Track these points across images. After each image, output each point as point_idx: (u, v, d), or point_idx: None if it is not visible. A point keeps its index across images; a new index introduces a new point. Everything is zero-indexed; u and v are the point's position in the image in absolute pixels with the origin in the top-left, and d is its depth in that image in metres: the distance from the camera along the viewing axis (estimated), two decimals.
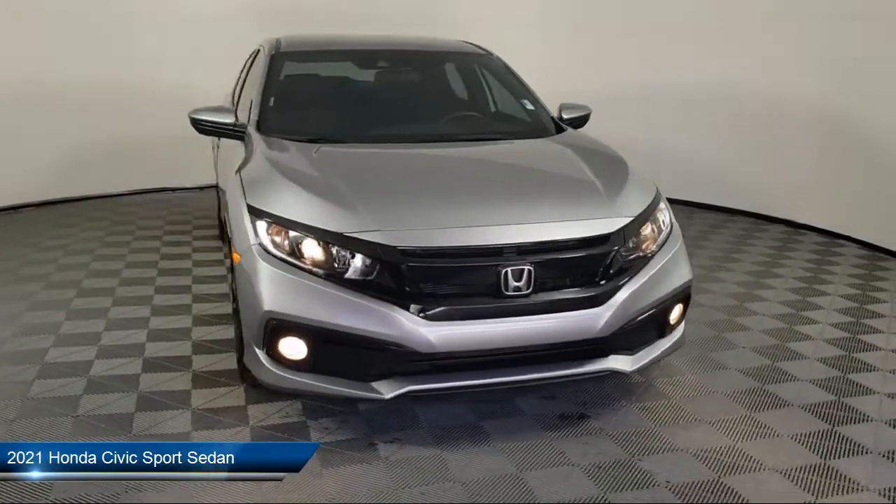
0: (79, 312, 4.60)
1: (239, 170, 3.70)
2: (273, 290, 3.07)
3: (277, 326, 3.06)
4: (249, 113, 4.17)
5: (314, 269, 3.06)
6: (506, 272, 3.03)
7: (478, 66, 4.84)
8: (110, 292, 4.96)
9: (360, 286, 3.02)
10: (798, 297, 5.06)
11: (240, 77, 5.89)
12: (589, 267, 3.19)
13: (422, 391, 3.07)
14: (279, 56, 4.52)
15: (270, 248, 3.15)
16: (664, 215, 3.55)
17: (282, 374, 3.14)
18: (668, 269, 3.36)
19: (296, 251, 3.11)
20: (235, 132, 4.09)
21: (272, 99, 4.24)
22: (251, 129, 4.03)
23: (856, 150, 6.25)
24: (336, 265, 3.05)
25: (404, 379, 3.07)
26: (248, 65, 5.62)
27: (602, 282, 3.19)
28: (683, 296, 3.46)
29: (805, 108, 6.57)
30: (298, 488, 2.86)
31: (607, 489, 2.88)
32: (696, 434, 3.29)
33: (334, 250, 3.08)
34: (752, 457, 3.11)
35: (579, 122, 4.49)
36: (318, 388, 3.14)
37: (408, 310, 2.97)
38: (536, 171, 3.75)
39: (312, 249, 3.10)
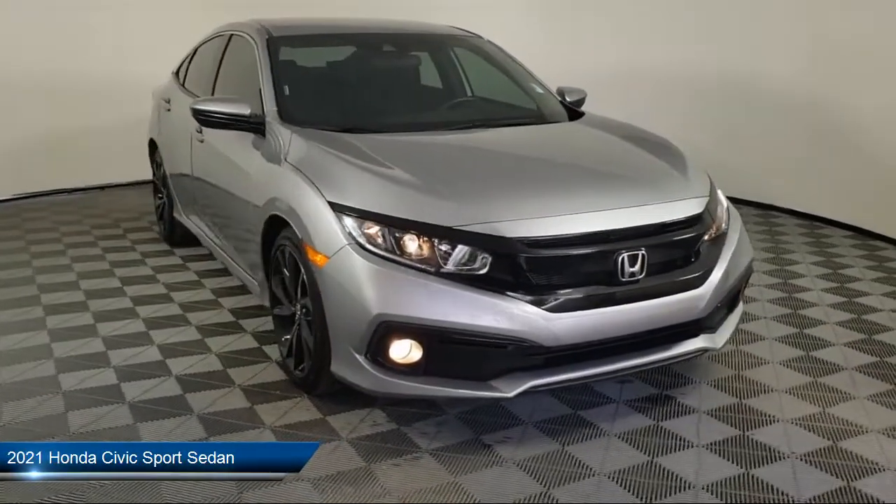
0: (61, 332, 4.10)
1: (282, 164, 3.43)
2: (384, 292, 2.86)
3: (390, 329, 2.86)
4: (263, 103, 3.85)
5: (424, 267, 2.88)
6: (623, 257, 2.97)
7: (474, 50, 4.72)
8: (83, 307, 4.46)
9: (473, 281, 2.87)
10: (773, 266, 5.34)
11: (187, 64, 5.45)
12: (688, 247, 3.20)
13: (542, 386, 2.96)
14: (274, 41, 4.20)
15: (368, 246, 2.93)
16: (719, 193, 3.62)
17: (391, 379, 2.93)
18: (741, 245, 3.43)
19: (395, 248, 2.91)
20: (253, 125, 3.78)
21: (286, 87, 3.93)
22: (272, 120, 3.73)
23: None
24: (443, 260, 2.89)
25: (523, 375, 2.95)
26: (204, 51, 5.21)
27: (697, 262, 3.21)
28: (750, 270, 3.55)
29: (783, 93, 6.68)
30: (444, 497, 2.69)
31: (748, 466, 2.90)
32: (781, 404, 3.38)
33: (440, 245, 2.91)
34: (849, 421, 3.24)
35: (577, 105, 4.49)
36: (433, 391, 2.96)
37: (530, 303, 2.85)
38: (602, 155, 3.70)
39: (415, 245, 2.92)
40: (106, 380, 3.56)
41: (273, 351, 3.88)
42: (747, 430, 3.16)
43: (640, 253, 3.00)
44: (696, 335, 3.27)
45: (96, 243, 5.84)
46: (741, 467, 2.89)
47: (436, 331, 2.85)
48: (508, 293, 2.85)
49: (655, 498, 2.70)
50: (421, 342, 2.88)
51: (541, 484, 2.78)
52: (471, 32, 4.86)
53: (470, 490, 2.74)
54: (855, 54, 5.99)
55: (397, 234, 2.93)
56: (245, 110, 3.76)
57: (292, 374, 3.48)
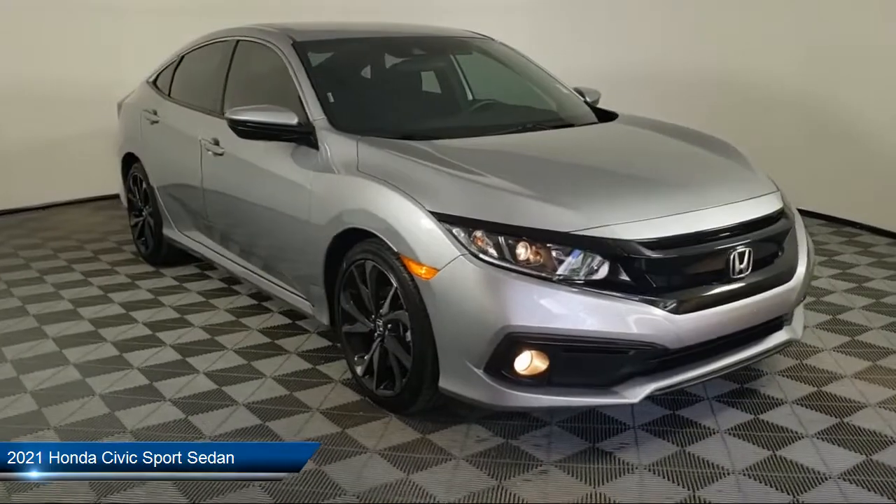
0: (91, 367, 3.78)
1: (354, 174, 3.28)
2: (509, 302, 2.76)
3: (515, 341, 2.77)
4: (307, 111, 3.66)
5: (543, 274, 2.80)
6: (734, 254, 2.99)
7: (492, 54, 4.65)
8: (96, 336, 4.13)
9: (594, 287, 2.81)
10: None
11: (171, 72, 5.15)
12: (779, 241, 3.24)
13: (663, 389, 2.94)
14: (301, 46, 4.01)
15: (483, 256, 2.83)
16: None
17: (514, 392, 2.84)
18: (805, 237, 3.51)
19: (510, 257, 2.83)
20: (300, 134, 3.59)
21: (329, 94, 3.76)
22: (324, 129, 3.56)
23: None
24: (558, 267, 2.82)
25: (643, 379, 2.91)
26: (195, 59, 4.93)
27: (784, 255, 3.26)
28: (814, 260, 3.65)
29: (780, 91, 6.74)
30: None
31: (867, 452, 2.96)
32: (858, 389, 3.48)
33: (554, 251, 2.84)
34: None
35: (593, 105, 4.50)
36: (558, 401, 2.88)
37: (654, 305, 2.82)
38: (672, 155, 3.69)
39: (529, 253, 2.84)
40: (169, 415, 3.30)
41: (331, 370, 3.71)
42: (844, 417, 3.24)
43: (747, 249, 3.02)
44: (779, 328, 3.32)
45: (71, 267, 5.43)
46: (861, 454, 2.95)
47: (563, 340, 2.77)
48: (634, 297, 2.81)
49: (799, 491, 2.72)
50: (546, 352, 2.80)
51: (684, 487, 2.75)
52: (484, 35, 4.80)
53: (618, 499, 2.68)
54: (839, 52, 6.21)
55: (510, 242, 2.84)
56: (291, 119, 3.57)
57: (373, 394, 3.32)
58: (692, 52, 7.25)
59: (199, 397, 3.46)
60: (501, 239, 2.84)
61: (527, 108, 4.31)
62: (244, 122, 3.59)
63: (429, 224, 2.93)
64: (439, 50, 4.59)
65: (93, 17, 7.16)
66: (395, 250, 3.04)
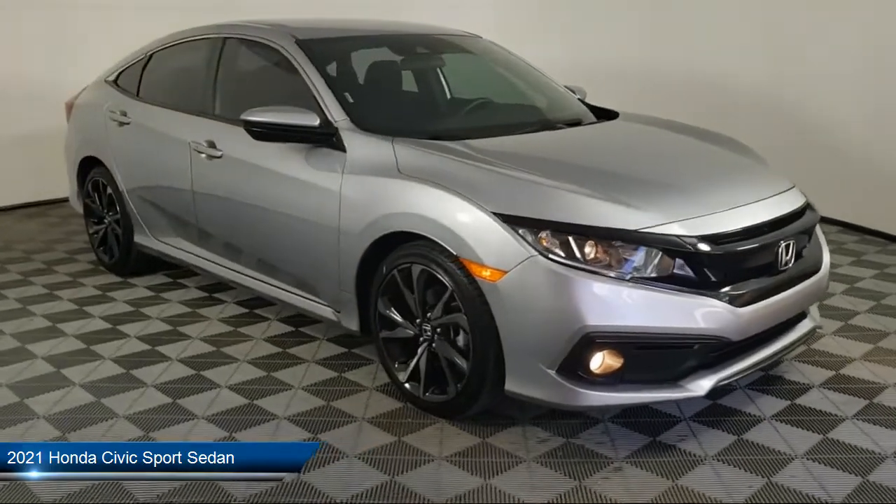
0: (104, 387, 3.55)
1: (395, 176, 3.21)
2: (586, 302, 2.77)
3: (591, 341, 2.78)
4: (326, 112, 3.55)
5: (616, 273, 2.82)
6: (781, 247, 3.09)
7: (489, 53, 4.63)
8: (91, 354, 3.89)
9: (663, 283, 2.86)
10: None
11: (138, 71, 4.89)
12: (809, 233, 3.38)
13: (725, 380, 3.00)
14: (306, 45, 3.89)
15: (553, 257, 2.82)
16: None
17: (587, 391, 2.85)
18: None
19: (579, 256, 2.83)
20: (321, 136, 3.49)
21: (347, 94, 3.66)
22: (348, 130, 3.47)
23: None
24: (626, 264, 2.85)
25: (705, 372, 2.98)
26: (170, 57, 4.71)
27: (811, 245, 3.40)
28: None
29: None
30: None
31: None
32: (870, 370, 3.67)
33: (621, 250, 2.86)
34: None
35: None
36: (630, 398, 2.91)
37: (718, 299, 2.89)
38: (697, 153, 3.75)
39: (597, 252, 2.85)
40: (211, 435, 3.14)
41: (359, 377, 3.63)
42: (872, 398, 3.40)
43: (790, 242, 3.13)
44: (804, 317, 3.46)
45: (29, 280, 5.07)
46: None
47: (637, 338, 2.80)
48: (700, 292, 2.87)
49: (866, 472, 2.85)
50: (620, 350, 2.82)
51: (758, 475, 2.83)
52: (474, 34, 4.77)
53: (702, 491, 2.74)
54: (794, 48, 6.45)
55: (579, 242, 2.84)
56: (313, 121, 3.46)
57: (419, 400, 3.26)
58: (659, 49, 7.39)
59: (233, 413, 3.31)
60: (570, 239, 2.83)
61: (533, 106, 4.32)
62: (262, 124, 3.45)
63: (492, 225, 2.90)
64: (442, 49, 4.53)
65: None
66: (454, 253, 2.98)
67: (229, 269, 4.20)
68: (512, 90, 4.46)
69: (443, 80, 4.55)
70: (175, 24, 4.90)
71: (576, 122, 4.05)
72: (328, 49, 3.99)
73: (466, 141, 3.41)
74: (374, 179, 3.30)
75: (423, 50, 4.49)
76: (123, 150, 4.83)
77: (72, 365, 3.78)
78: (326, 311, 3.65)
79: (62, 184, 5.70)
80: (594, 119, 4.18)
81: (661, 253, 2.86)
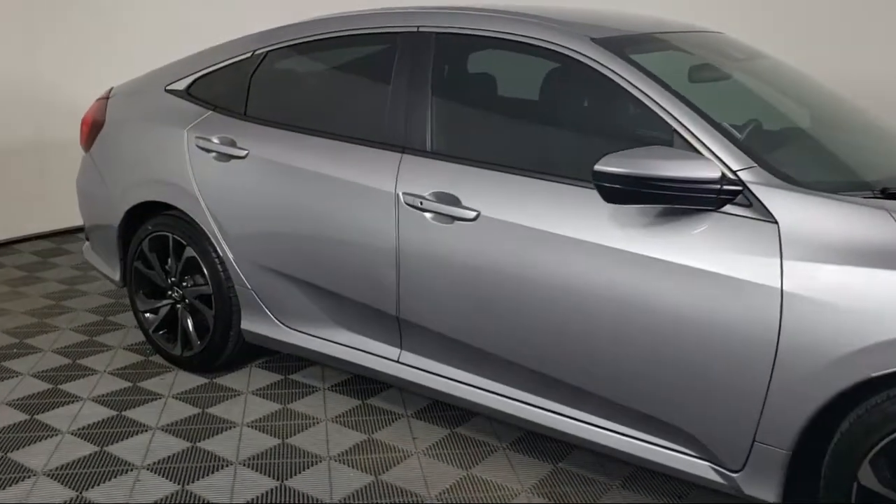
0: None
1: None
2: None
3: None
4: (715, 155, 2.29)
5: None
6: None
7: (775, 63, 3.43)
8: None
9: None
10: None
11: (244, 87, 3.36)
12: None
13: None
14: (615, 46, 2.65)
15: None
16: None
17: None
18: None
19: None
20: (717, 194, 2.24)
21: (724, 123, 2.43)
22: (767, 186, 2.23)
23: None
24: None
25: None
26: (303, 65, 3.31)
27: None
28: None
29: None
30: None
31: None
32: None
33: None
34: None
35: None
36: None
37: None
38: None
39: None
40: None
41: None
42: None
43: None
44: None
45: (62, 375, 3.44)
46: None
47: None
48: None
49: None
50: None
51: None
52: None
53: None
54: None
55: None
56: (713, 172, 2.21)
57: None
58: None
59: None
60: None
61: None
62: (635, 179, 2.16)
63: None
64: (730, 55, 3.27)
65: None
66: None
67: (481, 390, 2.80)
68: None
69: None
70: None
71: None
72: (644, 56, 2.69)
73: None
74: (862, 272, 2.07)
75: (731, 56, 3.21)
76: (231, 197, 3.28)
77: None
78: (704, 469, 2.38)
79: None
80: None
81: None
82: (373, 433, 3.07)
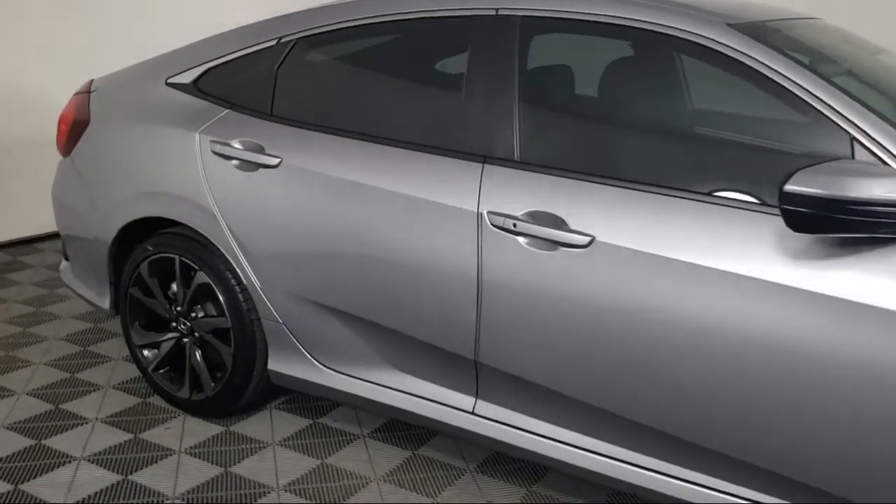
0: None
1: None
2: None
3: None
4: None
5: None
6: None
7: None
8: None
9: None
10: None
11: (269, 85, 2.82)
12: None
13: None
14: (758, 33, 2.19)
15: None
16: None
17: None
18: None
19: None
20: None
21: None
22: None
23: None
24: None
25: None
26: (339, 49, 2.79)
27: None
28: None
29: None
30: None
31: None
32: None
33: None
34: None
35: None
36: None
37: None
38: None
39: None
40: None
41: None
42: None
43: None
44: None
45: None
46: None
47: None
48: None
49: None
50: None
51: None
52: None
53: None
54: None
55: None
56: None
57: None
58: None
59: None
60: None
61: None
62: (843, 204, 1.73)
63: None
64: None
65: None
66: None
67: (573, 447, 2.33)
68: None
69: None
70: None
71: None
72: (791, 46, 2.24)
73: None
74: None
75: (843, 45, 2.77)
76: (259, 214, 2.73)
77: None
78: None
79: None
80: None
81: None
82: (435, 496, 2.57)
